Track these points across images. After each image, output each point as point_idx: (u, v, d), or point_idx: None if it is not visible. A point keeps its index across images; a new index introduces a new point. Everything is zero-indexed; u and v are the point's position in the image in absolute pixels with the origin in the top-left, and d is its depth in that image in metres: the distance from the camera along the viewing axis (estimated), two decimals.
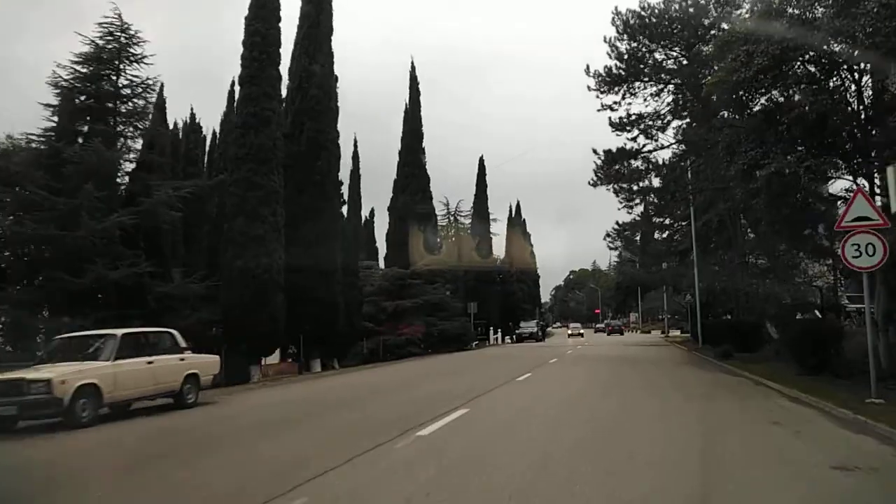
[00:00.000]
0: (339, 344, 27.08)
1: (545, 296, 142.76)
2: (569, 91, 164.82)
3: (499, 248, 67.98)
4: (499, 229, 68.52)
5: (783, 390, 12.38)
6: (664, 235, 45.33)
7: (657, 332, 72.86)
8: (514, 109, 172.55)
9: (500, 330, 49.06)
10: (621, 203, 26.43)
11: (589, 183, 25.00)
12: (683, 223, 41.30)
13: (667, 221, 44.30)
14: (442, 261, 36.95)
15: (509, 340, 52.01)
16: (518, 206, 77.10)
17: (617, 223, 28.49)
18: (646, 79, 25.01)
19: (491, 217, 61.34)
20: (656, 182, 25.85)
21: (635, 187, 25.34)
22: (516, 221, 74.94)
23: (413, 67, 43.31)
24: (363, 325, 31.22)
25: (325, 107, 26.45)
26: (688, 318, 38.42)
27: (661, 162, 24.65)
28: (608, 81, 24.05)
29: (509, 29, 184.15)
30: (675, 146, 24.84)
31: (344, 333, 26.75)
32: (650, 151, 24.46)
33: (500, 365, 21.16)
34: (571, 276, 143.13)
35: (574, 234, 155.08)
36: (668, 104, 24.55)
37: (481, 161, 56.28)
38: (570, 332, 66.22)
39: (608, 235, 29.11)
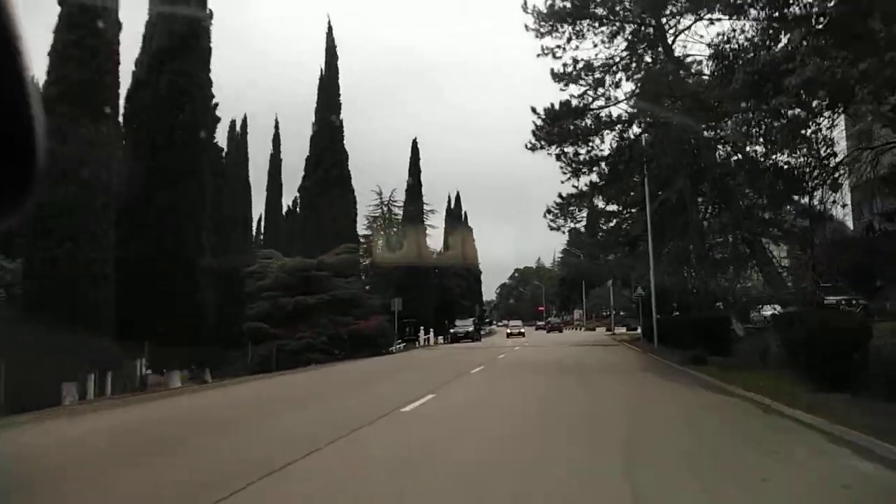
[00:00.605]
0: (213, 351, 21.36)
1: (490, 294, 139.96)
2: (519, 96, 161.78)
3: (437, 241, 63.03)
4: (437, 222, 63.54)
5: (824, 427, 7.48)
6: (612, 224, 41.11)
7: (602, 330, 69.12)
8: (461, 116, 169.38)
9: (432, 329, 43.81)
10: (565, 174, 21.57)
11: (526, 146, 20.04)
12: (634, 210, 37.11)
13: (615, 208, 40.25)
14: (357, 251, 31.33)
15: (443, 341, 46.83)
16: (458, 197, 72.41)
17: (560, 196, 23.63)
18: (596, 22, 20.20)
19: (428, 208, 56.20)
20: (607, 145, 21.07)
21: (582, 153, 20.48)
22: (455, 213, 70.15)
23: (330, 29, 37.78)
24: (251, 327, 25.52)
25: (191, 45, 20.62)
26: (637, 315, 34.06)
27: (614, 117, 19.83)
28: (549, 17, 19.05)
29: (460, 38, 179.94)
30: (630, 101, 20.03)
31: (217, 338, 21.04)
32: (600, 108, 19.62)
33: (405, 378, 15.89)
34: (517, 274, 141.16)
35: (521, 234, 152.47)
36: (624, 51, 19.76)
37: (414, 144, 50.98)
38: (508, 331, 57.23)
39: (549, 212, 24.15)
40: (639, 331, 42.52)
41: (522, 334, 51.89)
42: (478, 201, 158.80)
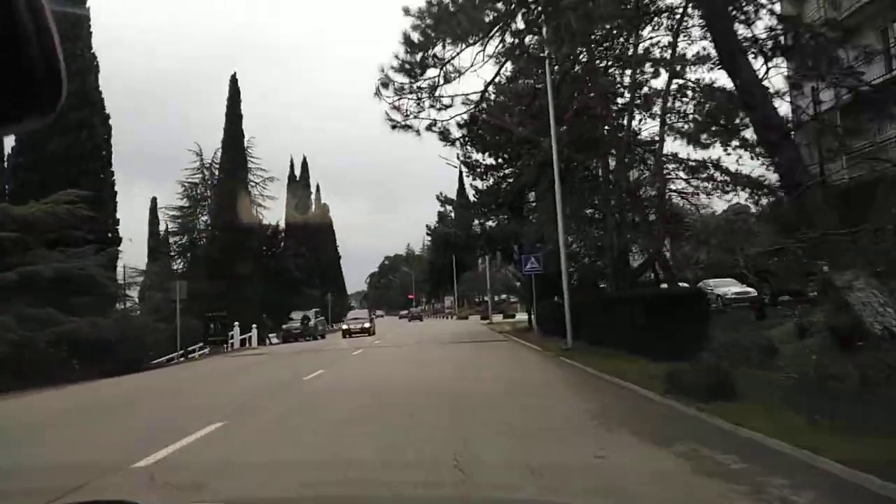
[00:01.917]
0: None
1: (360, 284, 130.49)
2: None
3: (277, 215, 51.22)
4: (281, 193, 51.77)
5: None
6: (489, 182, 31.88)
7: (476, 318, 60.62)
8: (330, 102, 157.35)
9: (255, 326, 32.31)
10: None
11: None
12: (517, 163, 28.01)
13: (491, 161, 31.03)
14: (81, 202, 19.09)
15: (276, 340, 35.49)
16: (305, 164, 60.63)
17: (407, 41, 12.88)
18: None
19: (265, 175, 44.21)
20: None
21: None
22: (301, 183, 58.48)
23: None
24: None
25: None
26: (529, 297, 24.94)
27: None
28: None
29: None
30: None
31: None
32: None
33: None
34: (387, 262, 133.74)
35: (395, 223, 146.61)
36: None
37: (234, 80, 38.82)
38: (345, 325, 37.66)
39: (386, 85, 13.46)
40: (525, 318, 33.77)
41: (367, 330, 35.38)
42: (346, 189, 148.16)
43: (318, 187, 64.80)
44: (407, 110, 12.71)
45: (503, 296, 68.50)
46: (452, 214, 40.47)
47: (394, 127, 12.97)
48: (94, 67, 23.29)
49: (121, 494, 4.86)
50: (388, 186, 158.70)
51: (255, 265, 38.62)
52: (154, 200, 49.04)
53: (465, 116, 15.91)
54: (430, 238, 48.38)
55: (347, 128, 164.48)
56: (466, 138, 18.67)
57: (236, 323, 30.11)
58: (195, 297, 36.03)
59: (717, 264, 28.30)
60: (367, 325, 35.90)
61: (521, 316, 42.08)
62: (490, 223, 32.22)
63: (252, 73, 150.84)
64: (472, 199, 33.99)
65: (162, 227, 48.33)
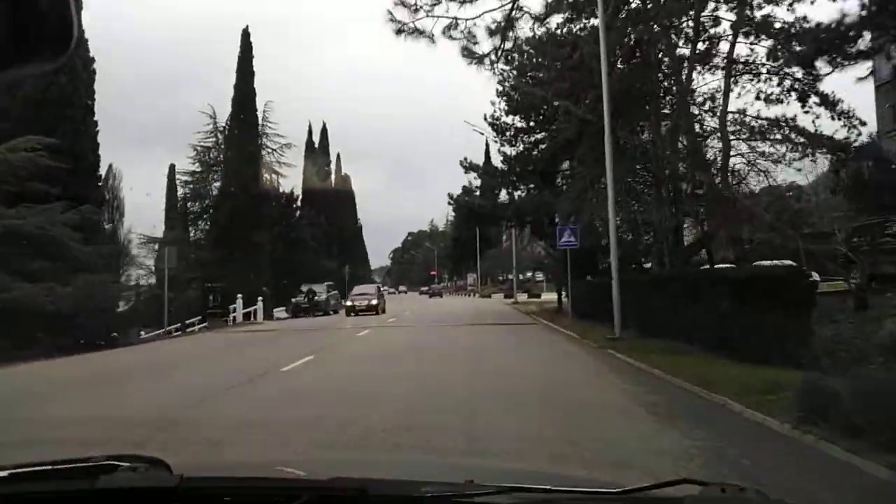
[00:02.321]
0: None
1: (383, 259, 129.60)
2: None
3: (294, 184, 48.49)
4: (296, 161, 48.90)
5: None
6: (519, 148, 28.79)
7: (499, 297, 57.84)
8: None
9: (261, 299, 29.82)
10: None
11: None
12: (552, 126, 24.80)
13: (522, 124, 27.94)
14: (40, 149, 16.40)
15: (284, 314, 33.04)
16: (324, 131, 57.69)
17: None
18: None
19: (282, 140, 41.42)
20: None
21: None
22: (320, 150, 55.69)
23: None
24: None
25: None
26: (563, 275, 21.94)
27: None
28: None
29: None
30: None
31: None
32: None
33: None
34: (410, 238, 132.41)
35: (416, 201, 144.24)
36: None
37: (245, 34, 35.97)
38: (349, 302, 32.08)
39: None
40: (553, 298, 30.82)
41: (374, 308, 30.40)
42: (370, 164, 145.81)
43: (338, 156, 62.14)
44: (416, 3, 9.58)
45: (528, 274, 65.57)
46: (478, 183, 37.65)
47: (399, 31, 9.93)
48: (78, 4, 20.68)
49: None
50: (413, 162, 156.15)
51: (267, 233, 36.22)
52: (172, 167, 46.92)
53: (499, 17, 12.15)
54: (453, 211, 45.47)
55: (374, 101, 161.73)
56: (500, 52, 14.40)
57: (239, 295, 27.63)
58: (202, 265, 33.83)
59: (765, 243, 25.25)
60: (374, 301, 31.07)
61: (548, 295, 39.09)
62: (519, 193, 29.27)
63: (276, 42, 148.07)
64: (499, 166, 31.06)
65: (180, 194, 46.40)
